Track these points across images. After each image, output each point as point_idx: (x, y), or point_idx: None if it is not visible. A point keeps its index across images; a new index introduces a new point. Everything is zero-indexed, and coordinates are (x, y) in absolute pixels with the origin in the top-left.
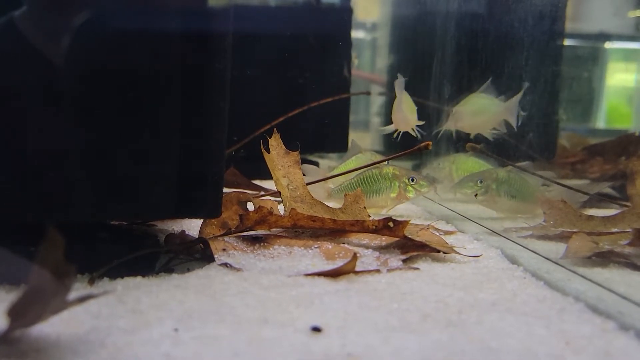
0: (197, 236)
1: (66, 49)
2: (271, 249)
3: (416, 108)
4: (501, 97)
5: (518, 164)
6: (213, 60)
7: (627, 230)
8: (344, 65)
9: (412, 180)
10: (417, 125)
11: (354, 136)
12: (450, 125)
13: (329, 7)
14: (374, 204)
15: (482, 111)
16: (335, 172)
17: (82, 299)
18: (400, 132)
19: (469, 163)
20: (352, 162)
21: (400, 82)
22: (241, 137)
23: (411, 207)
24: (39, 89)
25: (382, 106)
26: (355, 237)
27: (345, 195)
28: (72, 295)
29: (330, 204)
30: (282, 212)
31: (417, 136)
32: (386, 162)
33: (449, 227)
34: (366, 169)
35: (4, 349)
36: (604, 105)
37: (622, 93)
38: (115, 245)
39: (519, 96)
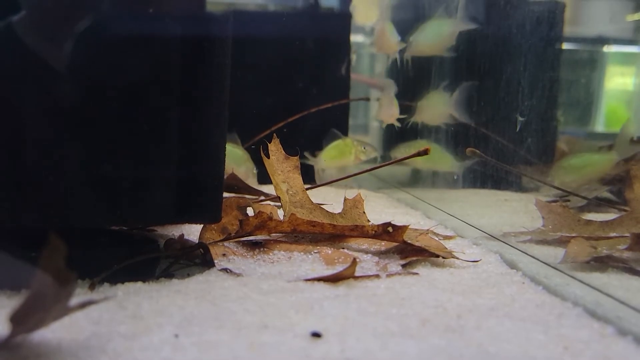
0: (197, 241)
1: (66, 54)
2: (271, 254)
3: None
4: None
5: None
6: (212, 65)
7: (626, 234)
8: (343, 69)
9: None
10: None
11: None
12: (416, 117)
13: (327, 12)
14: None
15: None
16: (319, 160)
17: (83, 305)
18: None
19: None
20: (332, 149)
21: (389, 84)
22: (241, 140)
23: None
24: (38, 94)
25: None
26: (354, 242)
27: (345, 200)
28: (73, 301)
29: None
30: (281, 217)
31: (398, 126)
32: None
33: (447, 232)
34: None
35: (6, 355)
36: (602, 109)
37: (621, 96)
38: (115, 251)
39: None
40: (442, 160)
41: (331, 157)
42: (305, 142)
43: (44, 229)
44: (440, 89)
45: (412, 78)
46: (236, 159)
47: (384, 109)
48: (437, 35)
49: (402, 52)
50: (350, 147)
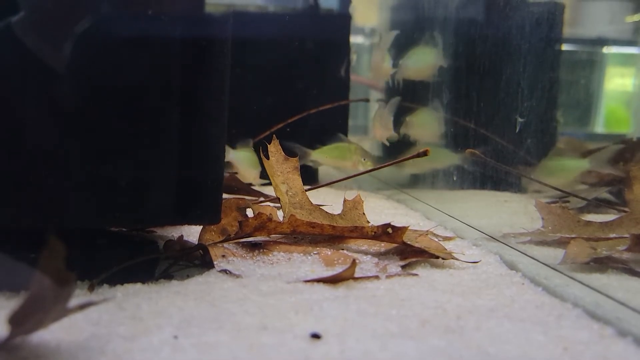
0: (196, 242)
1: (65, 55)
2: (270, 255)
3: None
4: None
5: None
6: (212, 66)
7: (625, 235)
8: (343, 70)
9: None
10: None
11: (352, 141)
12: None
13: (327, 13)
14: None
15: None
16: (315, 153)
17: (82, 306)
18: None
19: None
20: (333, 148)
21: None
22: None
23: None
24: (37, 95)
25: None
26: (354, 243)
27: (345, 201)
28: (72, 302)
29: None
30: (281, 219)
31: (388, 144)
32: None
33: (447, 233)
34: None
35: (5, 356)
36: (602, 110)
37: (620, 97)
38: (114, 252)
39: None
40: (442, 157)
41: (329, 155)
42: (305, 143)
43: (43, 230)
44: (429, 108)
45: (409, 80)
46: (253, 163)
47: (378, 127)
48: (423, 63)
49: (393, 75)
50: (351, 152)
